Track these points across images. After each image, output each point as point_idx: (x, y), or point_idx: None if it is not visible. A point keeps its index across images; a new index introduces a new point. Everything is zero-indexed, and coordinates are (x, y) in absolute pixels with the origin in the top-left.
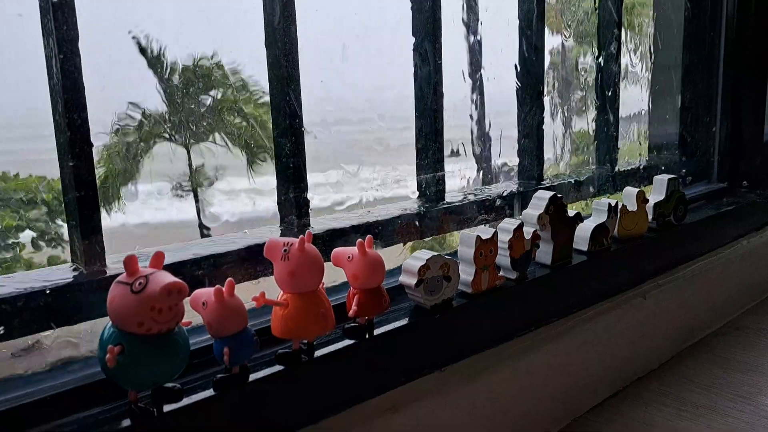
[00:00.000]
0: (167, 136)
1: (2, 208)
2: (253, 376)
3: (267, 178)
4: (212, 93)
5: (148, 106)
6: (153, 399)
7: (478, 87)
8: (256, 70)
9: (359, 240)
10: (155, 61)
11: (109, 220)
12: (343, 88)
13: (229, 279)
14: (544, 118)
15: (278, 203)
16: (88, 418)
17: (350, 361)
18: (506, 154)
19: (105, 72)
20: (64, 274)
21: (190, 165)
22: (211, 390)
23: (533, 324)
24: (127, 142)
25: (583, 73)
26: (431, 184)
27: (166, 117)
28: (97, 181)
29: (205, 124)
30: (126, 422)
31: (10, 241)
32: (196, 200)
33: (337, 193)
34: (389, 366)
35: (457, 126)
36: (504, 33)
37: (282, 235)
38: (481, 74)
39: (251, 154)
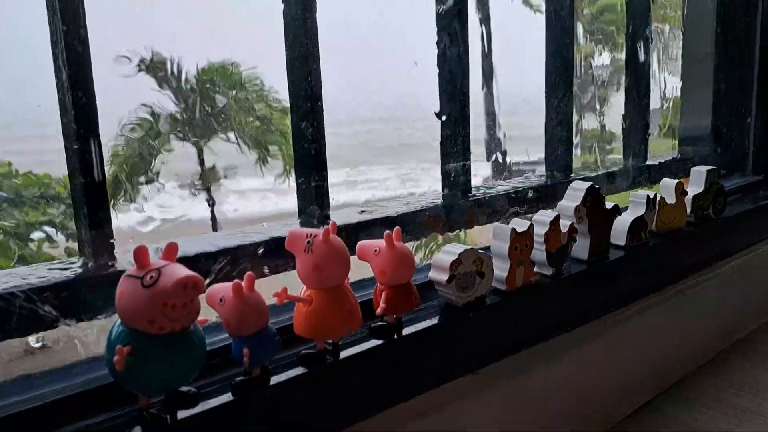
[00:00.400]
0: (180, 135)
1: (22, 204)
2: (274, 379)
3: (278, 178)
4: (226, 93)
5: (160, 105)
6: (166, 404)
7: (490, 80)
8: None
9: (387, 232)
10: (162, 67)
11: (117, 219)
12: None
13: (249, 273)
14: (573, 105)
15: (297, 193)
16: (94, 425)
17: (378, 362)
18: (515, 153)
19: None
20: (70, 268)
21: (201, 163)
22: (230, 394)
23: (570, 323)
24: (140, 140)
25: (596, 71)
26: (460, 173)
27: (178, 116)
28: (110, 177)
29: (217, 123)
30: (137, 430)
31: (33, 236)
32: (209, 198)
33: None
34: (419, 368)
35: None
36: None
37: (303, 226)
38: (492, 65)
39: (264, 151)
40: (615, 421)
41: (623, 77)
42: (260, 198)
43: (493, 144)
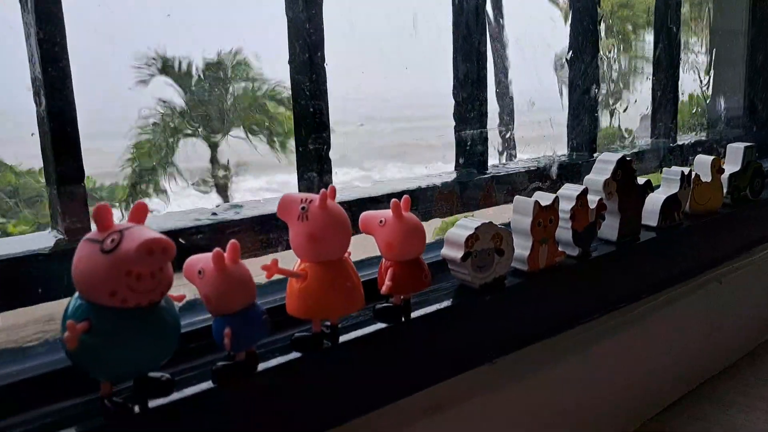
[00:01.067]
0: (190, 131)
1: None
2: (262, 365)
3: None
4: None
5: (171, 102)
6: (135, 392)
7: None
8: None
9: (394, 200)
10: (173, 64)
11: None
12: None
13: (233, 241)
14: (599, 73)
15: (297, 160)
16: (51, 414)
17: (382, 348)
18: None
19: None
20: (43, 241)
21: (212, 160)
22: (210, 381)
23: (597, 310)
24: (154, 137)
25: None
26: (477, 142)
27: (189, 112)
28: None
29: (227, 118)
30: (98, 420)
31: None
32: (220, 194)
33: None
34: (429, 356)
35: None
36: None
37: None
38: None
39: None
40: (644, 419)
41: (631, 77)
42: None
43: (505, 139)
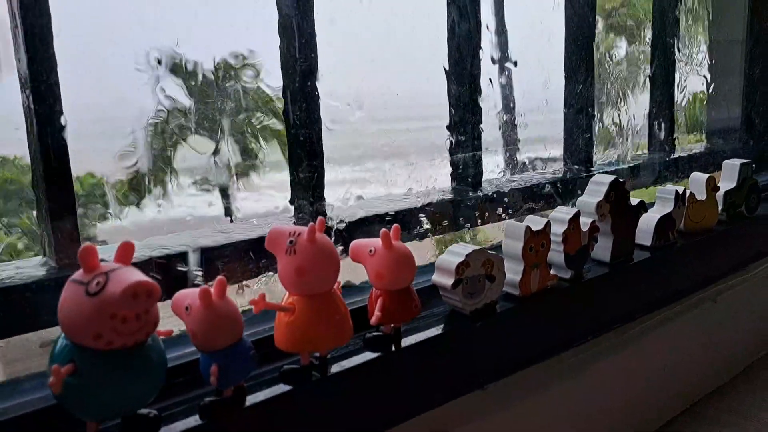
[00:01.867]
0: (193, 130)
1: None
2: (250, 399)
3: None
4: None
5: (175, 103)
6: (122, 428)
7: (504, 71)
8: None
9: (383, 230)
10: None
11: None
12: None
13: (220, 277)
14: (595, 91)
15: (290, 183)
16: None
17: (372, 378)
18: (533, 150)
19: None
20: (32, 269)
21: (215, 161)
22: (198, 417)
23: (590, 332)
24: (156, 137)
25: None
26: (469, 165)
27: (192, 112)
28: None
29: (231, 120)
30: None
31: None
32: (224, 196)
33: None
34: (420, 384)
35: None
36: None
37: (294, 222)
38: (508, 55)
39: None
40: None
41: (641, 74)
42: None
43: (509, 139)
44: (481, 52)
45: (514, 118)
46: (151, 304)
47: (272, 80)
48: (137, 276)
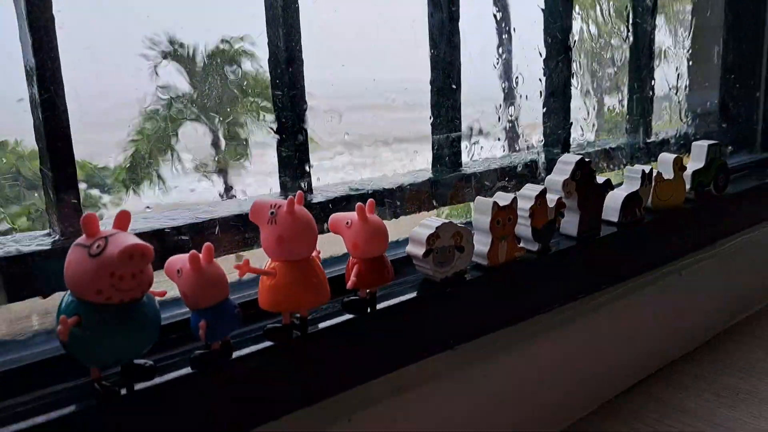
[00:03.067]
0: (193, 116)
1: None
2: (237, 353)
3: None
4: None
5: (175, 88)
6: (122, 376)
7: (505, 48)
8: None
9: (359, 204)
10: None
11: (140, 199)
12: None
13: (207, 244)
14: (572, 75)
15: (277, 162)
16: (47, 396)
17: (349, 337)
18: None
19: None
20: (37, 240)
21: (215, 145)
22: (189, 368)
23: (556, 301)
24: (156, 122)
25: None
26: (444, 146)
27: (193, 97)
28: (127, 161)
29: (230, 105)
30: (90, 402)
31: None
32: (224, 180)
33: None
34: (394, 344)
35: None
36: None
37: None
38: (509, 30)
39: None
40: (601, 402)
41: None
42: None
43: (507, 120)
44: (457, 38)
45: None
46: (144, 264)
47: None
48: (133, 240)
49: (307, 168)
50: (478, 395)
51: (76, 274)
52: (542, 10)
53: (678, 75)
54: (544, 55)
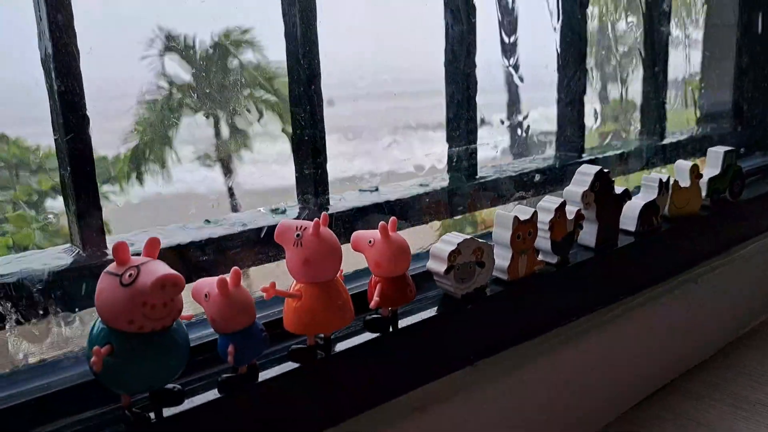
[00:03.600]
0: (194, 107)
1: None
2: (263, 375)
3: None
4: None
5: (176, 78)
6: (151, 402)
7: (511, 50)
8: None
9: (381, 223)
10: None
11: (143, 190)
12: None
13: (235, 268)
14: (586, 84)
15: (296, 179)
16: (77, 423)
17: (372, 356)
18: (539, 122)
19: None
20: (60, 257)
21: (217, 135)
22: (216, 391)
23: (575, 313)
24: (157, 112)
25: (621, 36)
26: (463, 158)
27: (194, 87)
28: (129, 152)
29: (233, 95)
30: (120, 428)
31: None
32: (225, 172)
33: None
34: (416, 361)
35: (489, 91)
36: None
37: (299, 214)
38: (516, 37)
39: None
40: (619, 412)
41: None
42: (279, 167)
43: (514, 113)
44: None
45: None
46: (176, 294)
47: (272, 55)
48: (165, 269)
49: (326, 185)
50: (498, 410)
51: (108, 304)
52: (559, 18)
53: (684, 80)
54: (558, 65)
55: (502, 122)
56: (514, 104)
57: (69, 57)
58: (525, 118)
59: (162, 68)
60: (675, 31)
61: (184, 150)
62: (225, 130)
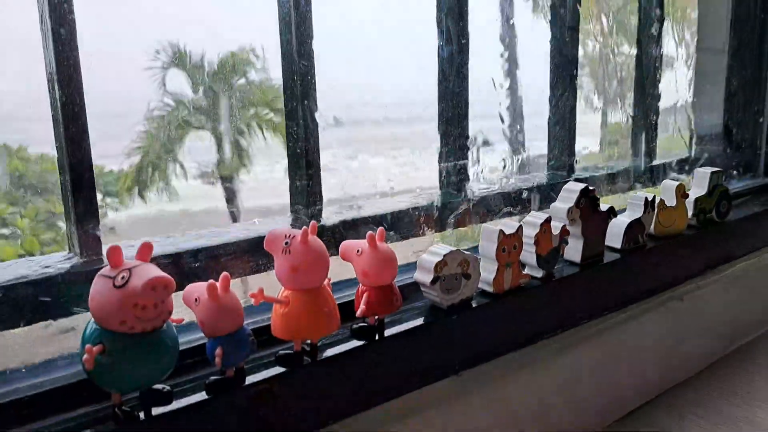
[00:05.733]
0: (198, 124)
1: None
2: (250, 379)
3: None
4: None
5: (180, 95)
6: (140, 401)
7: (510, 72)
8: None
9: (369, 233)
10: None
11: (145, 207)
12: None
13: (224, 274)
14: (576, 104)
15: (289, 190)
16: (69, 420)
17: (358, 363)
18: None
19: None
20: (58, 263)
21: (219, 152)
22: (204, 393)
23: (559, 326)
24: (161, 130)
25: (619, 61)
26: (452, 174)
27: (199, 105)
28: (133, 168)
29: (237, 113)
30: (110, 426)
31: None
32: (226, 188)
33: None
34: (401, 369)
35: (490, 115)
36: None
37: (292, 225)
38: (515, 55)
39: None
40: (602, 427)
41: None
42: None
43: (515, 138)
44: (466, 69)
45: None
46: (166, 296)
47: (275, 74)
48: (156, 272)
49: (319, 196)
50: (481, 421)
51: (101, 305)
52: (549, 40)
53: (675, 104)
54: (549, 85)
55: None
56: (515, 124)
57: (71, 69)
58: (522, 139)
59: (165, 85)
60: (668, 52)
61: (186, 166)
62: (227, 148)
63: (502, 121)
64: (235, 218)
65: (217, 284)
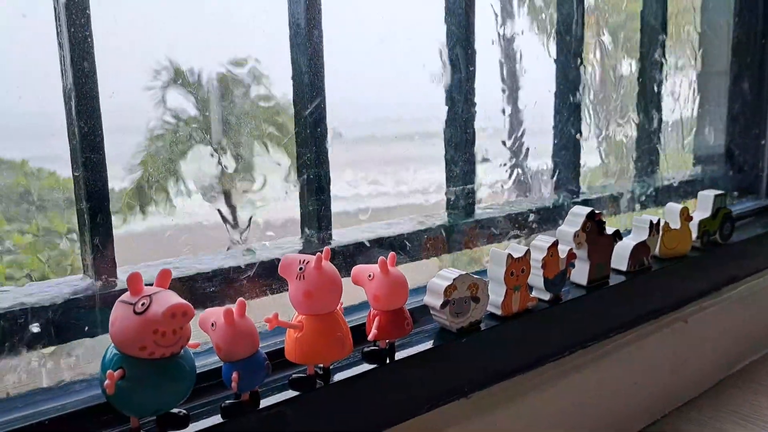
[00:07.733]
0: (199, 139)
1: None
2: (264, 402)
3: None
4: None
5: (183, 112)
6: (157, 425)
7: (512, 93)
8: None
9: (381, 258)
10: (184, 76)
11: (144, 223)
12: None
13: (240, 299)
14: (581, 128)
15: (300, 214)
16: None
17: (369, 386)
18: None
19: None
20: (73, 286)
21: (222, 169)
22: (219, 416)
23: (567, 349)
24: (163, 146)
25: (621, 81)
26: (460, 197)
27: (200, 120)
28: (134, 183)
29: (239, 130)
30: None
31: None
32: (229, 205)
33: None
34: (411, 392)
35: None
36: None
37: (303, 248)
38: (517, 78)
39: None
40: None
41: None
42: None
43: (517, 160)
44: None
45: (522, 136)
46: (186, 322)
47: (277, 90)
48: (175, 299)
49: (329, 221)
50: None
51: (121, 331)
52: (554, 64)
53: (680, 124)
54: (554, 109)
55: (506, 161)
56: (516, 144)
57: (92, 99)
58: (526, 158)
59: (165, 101)
60: (671, 76)
61: (189, 183)
62: (231, 164)
63: (504, 144)
64: (240, 238)
65: (233, 309)
